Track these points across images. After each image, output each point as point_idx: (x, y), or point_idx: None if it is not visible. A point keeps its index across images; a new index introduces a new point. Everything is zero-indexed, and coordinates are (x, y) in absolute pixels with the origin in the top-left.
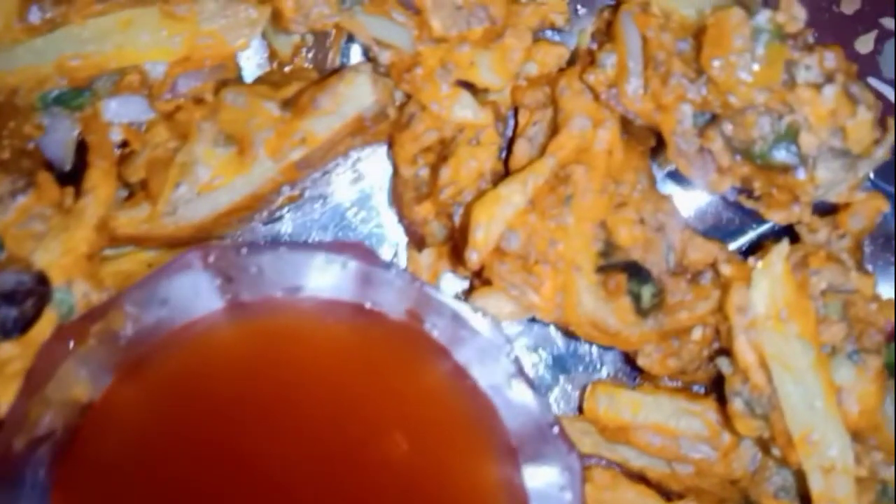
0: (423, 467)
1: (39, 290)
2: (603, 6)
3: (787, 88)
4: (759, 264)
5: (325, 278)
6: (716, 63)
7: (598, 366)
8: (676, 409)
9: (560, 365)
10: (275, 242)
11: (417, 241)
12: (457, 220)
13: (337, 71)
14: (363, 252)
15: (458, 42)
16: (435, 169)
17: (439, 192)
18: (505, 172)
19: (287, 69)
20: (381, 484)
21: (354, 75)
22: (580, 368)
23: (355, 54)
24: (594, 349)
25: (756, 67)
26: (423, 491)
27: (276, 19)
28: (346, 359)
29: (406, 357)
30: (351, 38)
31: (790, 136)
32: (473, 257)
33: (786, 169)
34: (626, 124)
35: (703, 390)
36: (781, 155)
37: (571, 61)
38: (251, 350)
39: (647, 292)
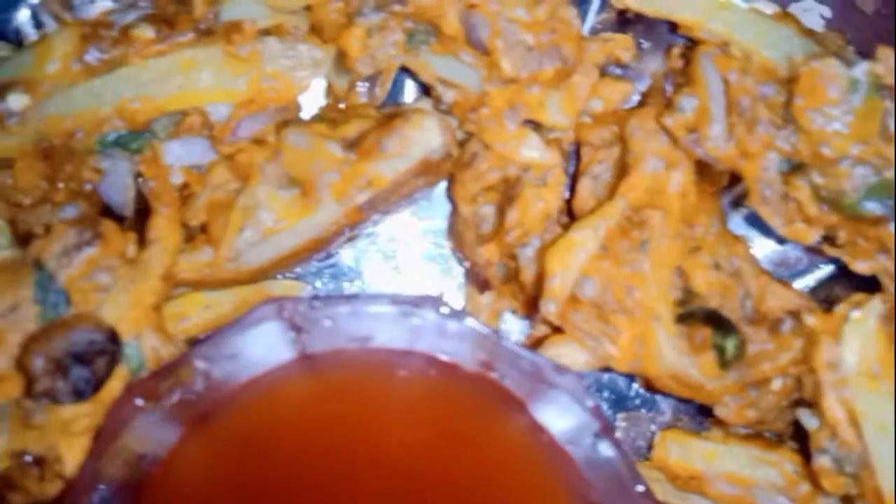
0: None
1: (111, 348)
2: (672, 44)
3: (883, 140)
4: (851, 318)
5: (397, 330)
6: (809, 114)
7: (660, 406)
8: (751, 458)
9: (620, 405)
10: (347, 295)
11: (480, 283)
12: (521, 262)
13: (401, 112)
14: (436, 303)
15: (527, 83)
16: (500, 209)
17: (505, 234)
18: (567, 211)
19: (342, 104)
20: None
21: (421, 118)
22: (642, 409)
23: (409, 88)
24: None
25: (851, 119)
26: None
27: (341, 60)
28: (418, 412)
29: (480, 410)
30: (405, 73)
31: (884, 188)
32: (551, 308)
33: (876, 221)
34: (697, 165)
35: (772, 435)
36: (873, 207)
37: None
38: (321, 403)
39: (730, 344)
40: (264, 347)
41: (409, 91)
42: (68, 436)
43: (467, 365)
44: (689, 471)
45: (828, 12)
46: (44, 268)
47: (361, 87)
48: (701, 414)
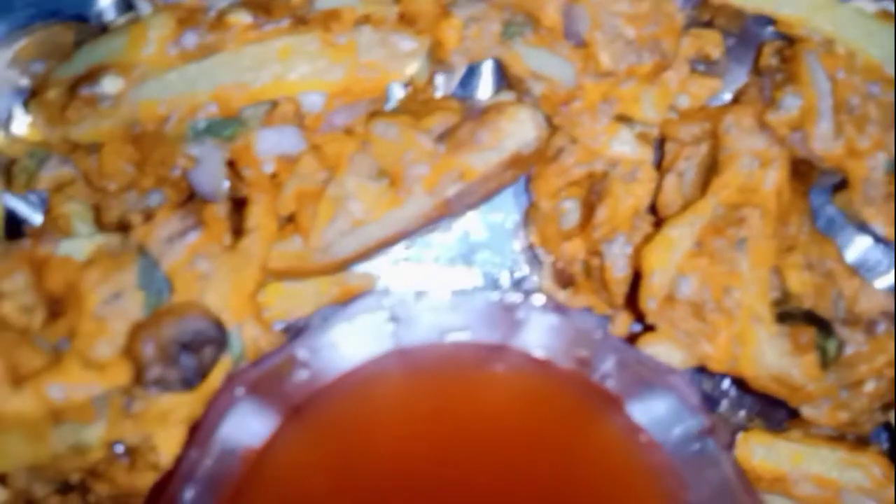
0: None
1: (218, 337)
2: (764, 41)
3: None
4: None
5: (495, 325)
6: None
7: (731, 407)
8: (839, 460)
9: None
10: (448, 290)
11: (563, 279)
12: (607, 259)
13: (494, 105)
14: (538, 298)
15: (624, 77)
16: (585, 205)
17: (592, 230)
18: (650, 208)
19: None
20: None
21: (517, 111)
22: (720, 407)
23: (485, 80)
24: (733, 389)
25: None
26: None
27: (436, 50)
28: (512, 409)
29: (575, 408)
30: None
31: None
32: (652, 305)
33: None
34: (791, 164)
35: (853, 438)
36: None
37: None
38: (416, 397)
39: (831, 345)
40: (363, 339)
41: (484, 84)
42: (166, 426)
43: (564, 361)
44: (775, 472)
45: None
46: (148, 254)
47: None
48: (762, 413)
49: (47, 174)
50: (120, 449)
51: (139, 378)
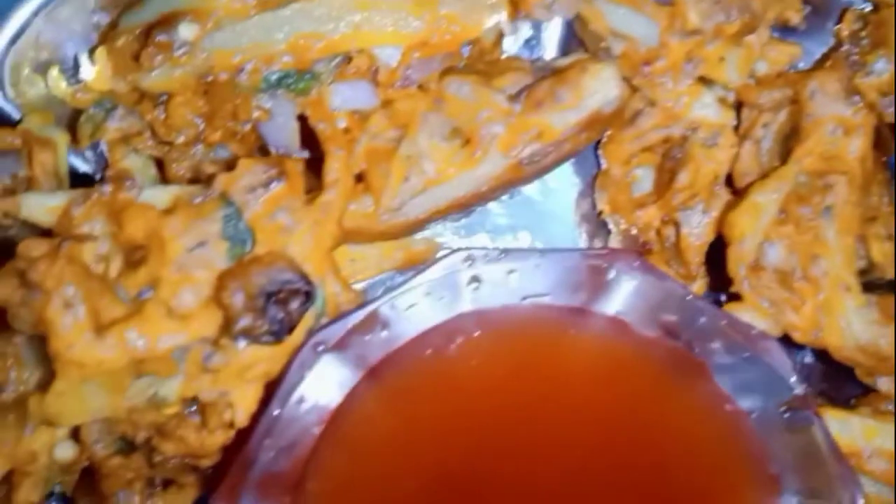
0: (674, 492)
1: (305, 288)
2: (845, 7)
3: None
4: None
5: (579, 285)
6: None
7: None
8: None
9: None
10: (528, 249)
11: (639, 247)
12: (684, 226)
13: (576, 63)
14: (630, 258)
15: (710, 37)
16: (661, 171)
17: (672, 197)
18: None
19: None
20: None
21: (600, 68)
22: None
23: (550, 41)
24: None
25: None
26: None
27: (517, 4)
28: (593, 375)
29: (658, 375)
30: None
31: None
32: (742, 271)
33: None
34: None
35: None
36: None
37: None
38: (493, 361)
39: None
40: (444, 299)
41: (549, 46)
42: (243, 382)
43: (649, 325)
44: (848, 447)
45: None
46: (231, 203)
47: None
48: (827, 391)
49: (113, 125)
50: (191, 408)
51: (227, 328)
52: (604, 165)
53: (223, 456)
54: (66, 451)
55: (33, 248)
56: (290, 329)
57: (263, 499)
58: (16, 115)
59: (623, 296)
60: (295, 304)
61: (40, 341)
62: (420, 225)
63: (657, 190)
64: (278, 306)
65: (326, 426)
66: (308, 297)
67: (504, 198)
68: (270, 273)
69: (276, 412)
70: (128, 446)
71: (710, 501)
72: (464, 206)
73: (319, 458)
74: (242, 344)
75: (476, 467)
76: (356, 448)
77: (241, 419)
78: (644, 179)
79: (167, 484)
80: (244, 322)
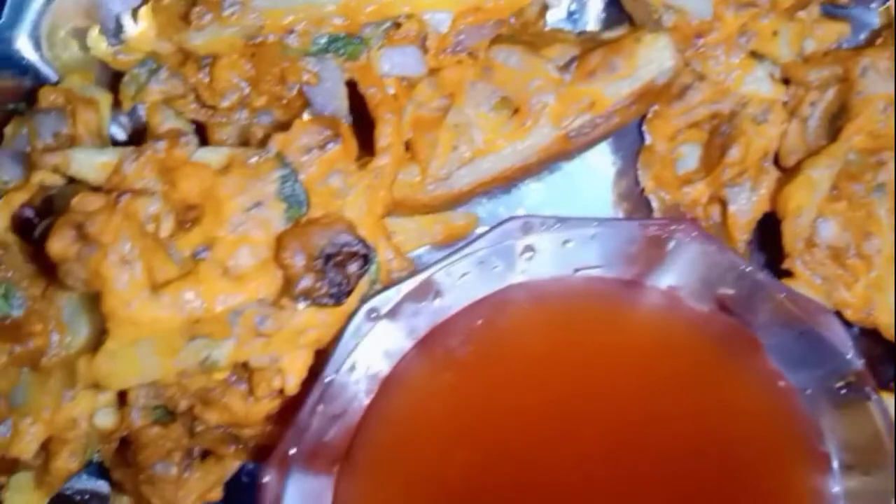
0: (723, 468)
1: (364, 251)
2: None
3: None
4: None
5: (635, 257)
6: None
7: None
8: None
9: None
10: (586, 218)
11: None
12: (731, 203)
13: (629, 33)
14: (690, 228)
15: (766, 10)
16: (710, 147)
17: (722, 172)
18: None
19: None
20: (678, 484)
21: (655, 38)
22: None
23: (592, 13)
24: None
25: None
26: (728, 495)
27: None
28: (643, 351)
29: (710, 350)
30: None
31: None
32: (800, 245)
33: None
34: None
35: None
36: None
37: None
38: (544, 332)
39: None
40: (497, 268)
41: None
42: (295, 348)
43: (705, 298)
44: None
45: None
46: (287, 163)
47: None
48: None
49: (156, 87)
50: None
51: (287, 290)
52: (648, 141)
53: (265, 426)
54: (106, 419)
55: (89, 202)
56: (349, 292)
57: (312, 467)
58: (53, 78)
59: (679, 268)
60: (353, 268)
61: (86, 302)
62: (463, 198)
63: (705, 166)
64: (337, 269)
65: (376, 395)
66: (366, 260)
67: (542, 175)
68: (330, 235)
69: (328, 379)
70: (168, 416)
71: (759, 478)
72: (508, 180)
73: (368, 428)
74: (302, 305)
75: (525, 439)
76: (405, 418)
77: (292, 385)
78: (688, 156)
79: (205, 455)
80: (305, 283)
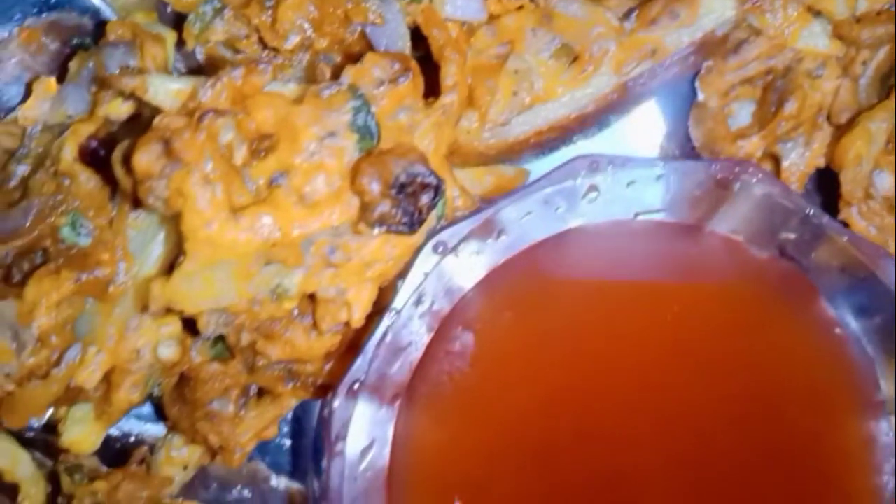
0: (781, 416)
1: (436, 183)
2: None
3: None
4: None
5: (699, 199)
6: None
7: None
8: None
9: None
10: (652, 159)
11: None
12: (785, 159)
13: None
14: (752, 169)
15: None
16: (766, 102)
17: (777, 126)
18: None
19: None
20: (734, 428)
21: None
22: None
23: None
24: None
25: None
26: (782, 442)
27: None
28: (702, 294)
29: (767, 299)
30: None
31: None
32: (859, 193)
33: None
34: None
35: None
36: None
37: None
38: (604, 275)
39: None
40: (560, 209)
41: None
42: (361, 281)
43: (764, 244)
44: None
45: None
46: (360, 94)
47: None
48: None
49: (220, 27)
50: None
51: (363, 215)
52: (700, 98)
53: (325, 364)
54: (169, 351)
55: (172, 120)
56: (421, 221)
57: (377, 398)
58: (112, 17)
59: (742, 212)
60: (425, 199)
61: (157, 230)
62: (518, 148)
63: (758, 122)
64: (409, 199)
65: (437, 332)
66: (437, 192)
67: (591, 132)
68: (404, 164)
69: (394, 311)
70: (227, 353)
71: (813, 424)
72: (563, 130)
73: (429, 365)
74: (377, 231)
75: (583, 382)
76: (464, 357)
77: (357, 318)
78: (739, 113)
79: (261, 395)
80: (382, 209)
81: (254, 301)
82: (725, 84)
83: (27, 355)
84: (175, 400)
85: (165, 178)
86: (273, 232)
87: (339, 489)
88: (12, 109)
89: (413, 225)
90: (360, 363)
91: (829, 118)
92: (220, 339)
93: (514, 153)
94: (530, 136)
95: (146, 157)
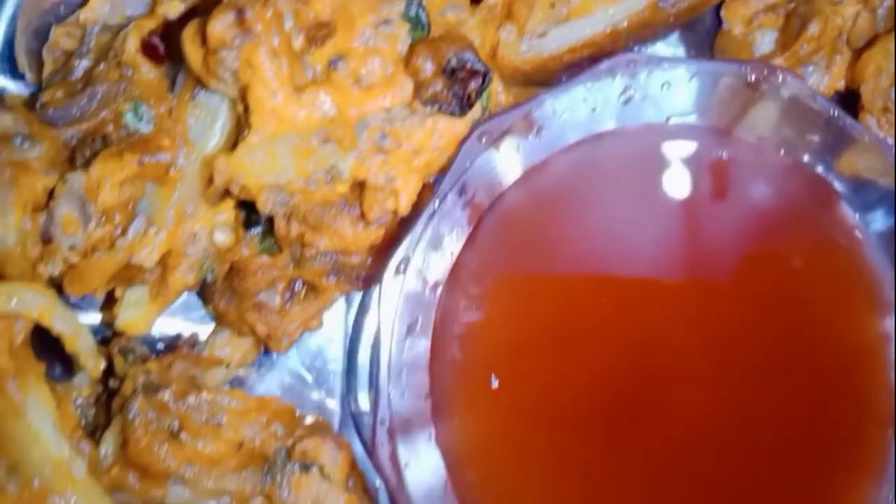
0: (801, 315)
1: (484, 70)
2: None
3: None
4: None
5: (728, 101)
6: None
7: None
8: None
9: None
10: (686, 59)
11: None
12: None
13: None
14: (780, 71)
15: None
16: (789, 28)
17: (799, 49)
18: None
19: None
20: (757, 321)
21: None
22: None
23: None
24: None
25: None
26: (803, 336)
27: None
28: (729, 197)
29: (789, 203)
30: None
31: None
32: (878, 104)
33: None
34: None
35: None
36: None
37: None
38: (636, 178)
39: None
40: (596, 110)
41: None
42: (409, 171)
43: (790, 146)
44: None
45: None
46: None
47: None
48: None
49: None
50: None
51: (418, 93)
52: (725, 26)
53: (369, 256)
54: (223, 236)
55: None
56: (470, 105)
57: (421, 279)
58: None
59: (770, 114)
60: (474, 84)
61: (216, 114)
62: (552, 65)
63: (781, 47)
64: (459, 84)
65: (477, 224)
66: (485, 79)
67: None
68: (455, 49)
69: (440, 196)
70: (275, 247)
71: (832, 319)
72: (596, 48)
73: (467, 253)
74: (429, 109)
75: (615, 269)
76: (501, 250)
77: (404, 205)
78: (762, 42)
79: (306, 292)
80: (434, 87)
81: (309, 180)
82: (750, 11)
83: (93, 227)
84: (224, 292)
85: (236, 49)
86: (330, 110)
87: (388, 360)
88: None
89: (462, 108)
90: (409, 241)
91: (847, 42)
92: (270, 233)
93: (547, 72)
94: (564, 53)
95: (220, 26)
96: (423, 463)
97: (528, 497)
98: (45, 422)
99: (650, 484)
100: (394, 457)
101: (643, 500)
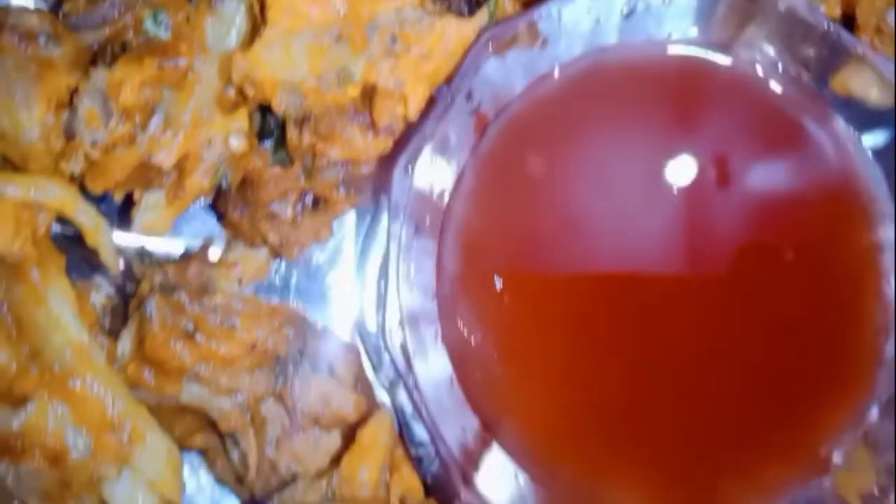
0: (800, 225)
1: None
2: None
3: None
4: None
5: (726, 18)
6: None
7: None
8: None
9: None
10: None
11: None
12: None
13: None
14: None
15: None
16: None
17: None
18: None
19: None
20: (757, 234)
21: None
22: None
23: None
24: None
25: None
26: (800, 247)
27: None
28: (727, 114)
29: (791, 115)
30: None
31: None
32: (872, 22)
33: None
34: None
35: None
36: None
37: None
38: (637, 98)
39: None
40: (599, 22)
41: None
42: (418, 77)
43: (786, 63)
44: None
45: None
46: None
47: None
48: None
49: None
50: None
51: None
52: None
53: (378, 167)
54: (238, 142)
55: None
56: (479, 5)
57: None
58: None
59: (767, 29)
60: None
61: (231, 21)
62: None
63: None
64: None
65: (482, 135)
66: None
67: None
68: None
69: (450, 98)
70: (288, 159)
71: (828, 229)
72: None
73: (474, 165)
74: (438, 7)
75: (608, 203)
76: (506, 163)
77: (412, 111)
78: None
79: (316, 205)
80: None
81: (322, 80)
82: None
83: (115, 123)
84: (237, 203)
85: None
86: (342, 6)
87: (398, 254)
88: None
89: (472, 7)
90: (418, 137)
91: None
92: (282, 145)
93: None
94: None
95: None
96: (430, 359)
97: (533, 395)
98: (66, 309)
99: (648, 388)
100: (404, 346)
101: (642, 402)
